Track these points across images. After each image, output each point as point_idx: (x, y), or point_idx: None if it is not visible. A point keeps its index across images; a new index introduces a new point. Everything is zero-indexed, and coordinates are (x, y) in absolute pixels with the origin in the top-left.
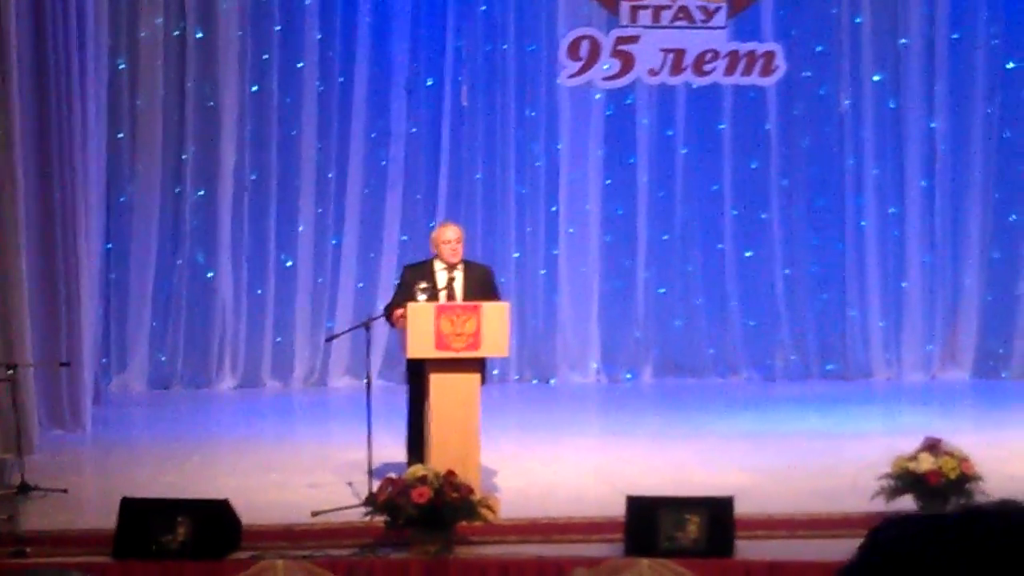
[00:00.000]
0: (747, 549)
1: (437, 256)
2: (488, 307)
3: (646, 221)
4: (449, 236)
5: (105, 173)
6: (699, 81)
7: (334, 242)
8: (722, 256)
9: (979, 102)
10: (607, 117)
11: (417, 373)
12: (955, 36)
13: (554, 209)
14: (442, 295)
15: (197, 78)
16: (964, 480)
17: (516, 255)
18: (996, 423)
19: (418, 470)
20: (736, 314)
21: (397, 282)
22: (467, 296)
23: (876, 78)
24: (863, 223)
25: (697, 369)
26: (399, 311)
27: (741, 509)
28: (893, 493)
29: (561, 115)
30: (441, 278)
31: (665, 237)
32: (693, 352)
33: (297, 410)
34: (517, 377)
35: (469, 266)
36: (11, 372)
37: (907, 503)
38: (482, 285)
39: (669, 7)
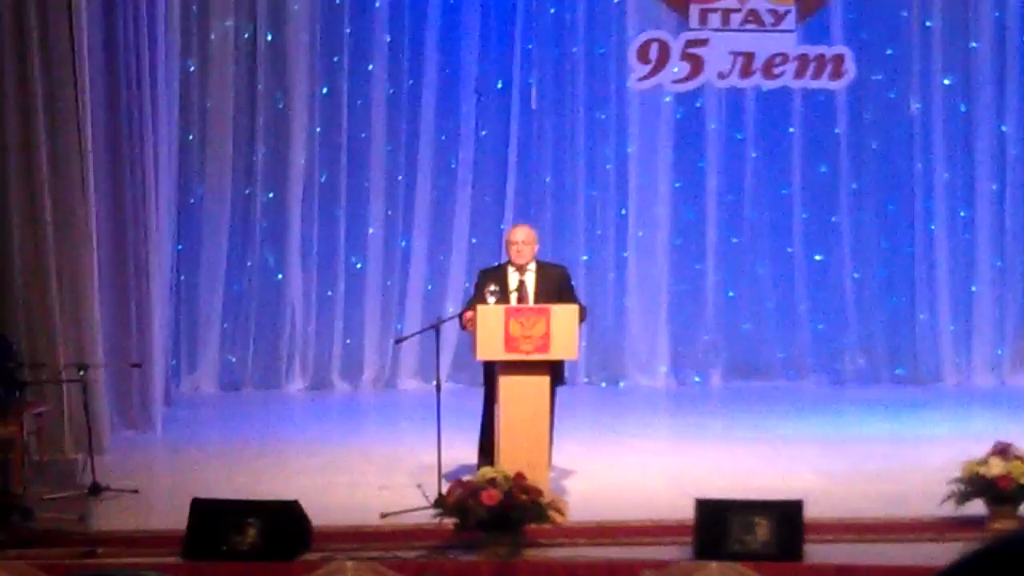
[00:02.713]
0: (816, 553)
1: (509, 258)
2: (558, 309)
3: (715, 224)
4: (516, 238)
5: (176, 175)
6: (768, 84)
7: (403, 244)
8: (791, 259)
9: None
10: (677, 120)
11: (492, 375)
12: None
13: (624, 212)
14: (513, 297)
15: (267, 80)
16: None
17: (585, 258)
18: None
19: (487, 472)
20: (805, 317)
21: (467, 286)
22: (540, 298)
23: (946, 81)
24: (933, 226)
25: (766, 372)
26: (468, 313)
27: (810, 513)
28: (963, 498)
29: (631, 118)
30: (512, 280)
31: (735, 240)
32: (762, 355)
33: (367, 412)
34: (586, 380)
35: (543, 267)
36: (82, 373)
37: (977, 508)
38: (557, 286)
39: (738, 10)
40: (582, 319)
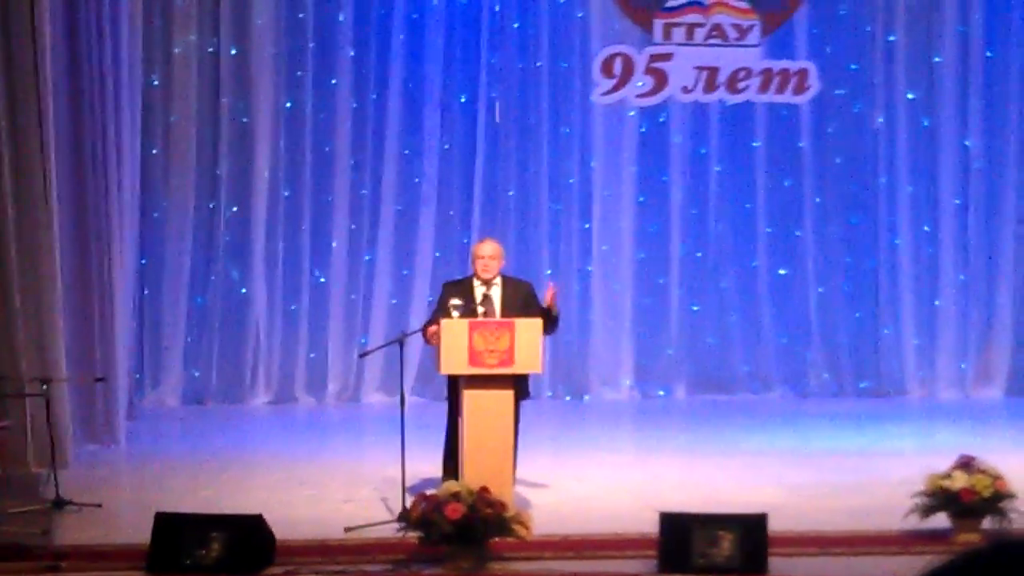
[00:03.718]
0: (781, 566)
1: (475, 273)
2: (522, 323)
3: (679, 238)
4: (484, 252)
5: (139, 189)
6: (732, 99)
7: (367, 258)
8: (755, 273)
9: (1014, 119)
10: (640, 134)
11: (456, 389)
12: (989, 54)
13: (587, 226)
14: (479, 311)
15: (231, 94)
16: (998, 498)
17: (549, 272)
18: None
19: (452, 486)
20: (769, 331)
21: (432, 300)
22: (506, 312)
23: (910, 96)
24: (897, 241)
25: (730, 386)
26: (432, 327)
27: (774, 526)
28: (927, 511)
29: (594, 132)
30: (478, 294)
31: (698, 254)
32: (726, 369)
33: (330, 426)
34: (550, 394)
35: (509, 282)
36: (46, 387)
37: (941, 521)
38: (523, 301)
39: (703, 25)
40: (555, 324)
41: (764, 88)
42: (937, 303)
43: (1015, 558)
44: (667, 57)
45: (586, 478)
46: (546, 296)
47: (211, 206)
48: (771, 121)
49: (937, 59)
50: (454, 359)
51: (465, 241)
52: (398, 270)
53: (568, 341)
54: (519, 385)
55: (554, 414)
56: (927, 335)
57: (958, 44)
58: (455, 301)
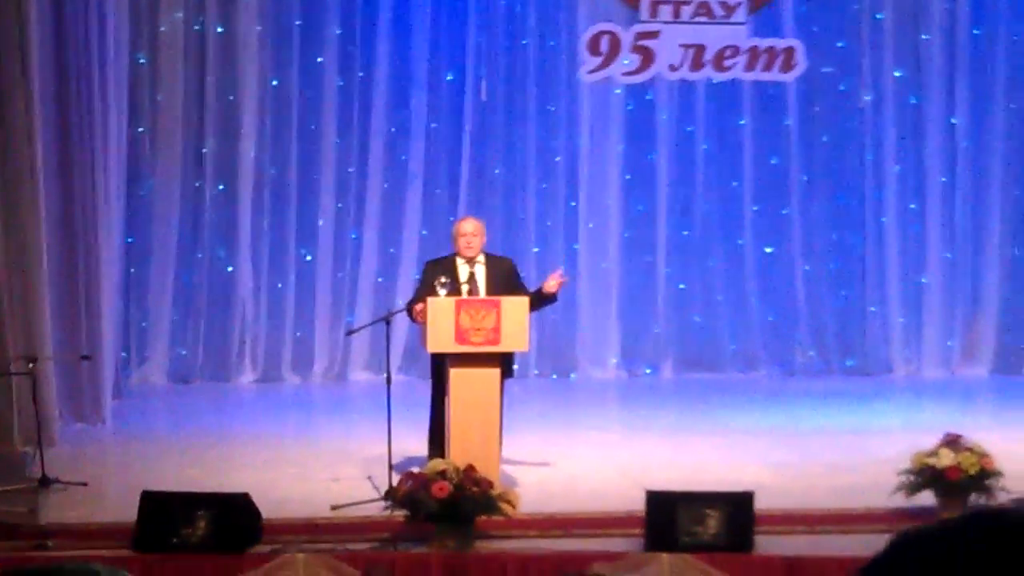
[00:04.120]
0: (767, 544)
1: (457, 251)
2: (508, 301)
3: (666, 217)
4: (465, 229)
5: (125, 167)
6: (719, 77)
7: (354, 236)
8: (742, 252)
9: (1000, 98)
10: (627, 112)
11: (441, 367)
12: (976, 32)
13: (574, 204)
14: (464, 289)
15: (217, 72)
16: (984, 476)
17: (536, 250)
18: (1016, 419)
19: (438, 464)
20: (756, 310)
21: (418, 278)
22: (491, 290)
23: (897, 74)
24: (883, 219)
25: (717, 364)
26: (419, 306)
27: (760, 504)
28: (913, 489)
29: (581, 110)
30: (463, 272)
31: (685, 233)
32: (713, 347)
33: (317, 404)
34: (537, 372)
35: (491, 260)
36: (32, 365)
37: (927, 499)
38: (507, 278)
39: (689, 3)
40: (544, 305)
41: (751, 66)
42: (924, 281)
43: (988, 529)
44: (654, 35)
45: (572, 456)
46: (552, 281)
47: (197, 184)
48: (758, 99)
49: (924, 37)
50: (441, 337)
51: (452, 219)
52: (384, 248)
53: (554, 319)
54: (504, 363)
55: (540, 392)
56: (913, 313)
57: (945, 22)
58: (443, 279)
